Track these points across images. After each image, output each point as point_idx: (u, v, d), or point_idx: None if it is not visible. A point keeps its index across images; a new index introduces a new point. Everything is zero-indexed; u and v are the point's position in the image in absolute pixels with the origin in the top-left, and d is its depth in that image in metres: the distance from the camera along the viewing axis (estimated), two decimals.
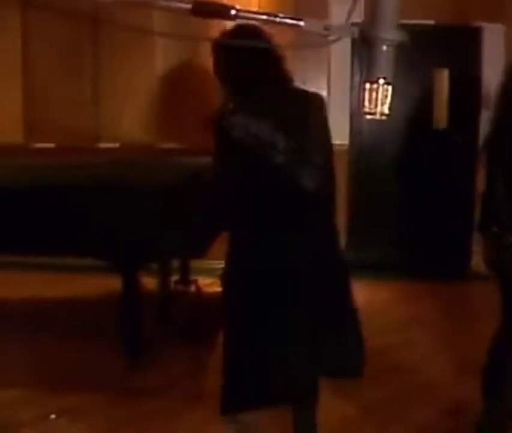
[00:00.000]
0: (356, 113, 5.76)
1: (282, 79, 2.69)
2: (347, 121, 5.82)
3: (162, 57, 5.95)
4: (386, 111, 1.42)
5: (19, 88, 6.07)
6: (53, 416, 3.40)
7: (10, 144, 6.01)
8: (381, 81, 1.42)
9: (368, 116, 1.40)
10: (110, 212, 3.82)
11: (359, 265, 5.80)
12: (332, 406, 3.31)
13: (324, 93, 5.51)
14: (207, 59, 2.76)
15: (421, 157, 5.99)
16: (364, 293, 5.27)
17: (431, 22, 5.78)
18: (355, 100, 5.73)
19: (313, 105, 2.69)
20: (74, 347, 4.23)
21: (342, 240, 5.68)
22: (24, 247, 4.01)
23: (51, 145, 6.04)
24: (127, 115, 6.02)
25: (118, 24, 5.60)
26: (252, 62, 2.60)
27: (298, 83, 2.78)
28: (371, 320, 4.50)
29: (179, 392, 3.68)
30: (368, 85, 1.41)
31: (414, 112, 5.89)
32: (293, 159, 2.55)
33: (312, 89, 2.84)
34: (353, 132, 5.92)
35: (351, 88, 5.80)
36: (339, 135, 5.67)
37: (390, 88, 1.42)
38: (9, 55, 6.04)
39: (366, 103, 1.40)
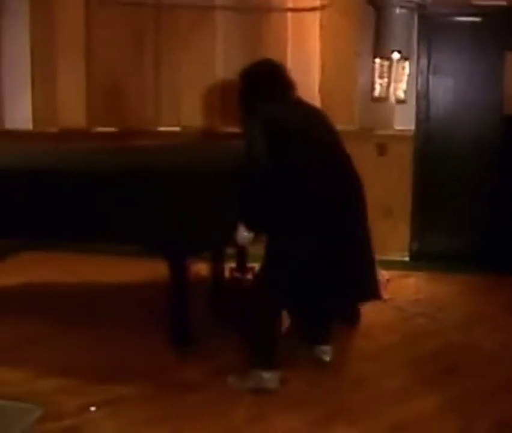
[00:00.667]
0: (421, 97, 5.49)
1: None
2: (413, 105, 5.53)
3: (222, 46, 5.84)
4: (402, 96, 1.21)
5: (83, 74, 6.08)
6: (93, 408, 3.33)
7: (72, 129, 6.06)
8: (396, 55, 1.19)
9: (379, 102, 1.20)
10: (157, 198, 3.71)
11: (424, 256, 5.62)
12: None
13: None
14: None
15: (491, 144, 5.65)
16: (429, 286, 5.06)
17: (503, 3, 5.44)
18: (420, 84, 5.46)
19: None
20: (121, 335, 4.17)
21: (407, 230, 5.54)
22: (74, 234, 3.97)
23: (112, 129, 6.03)
24: (187, 100, 5.95)
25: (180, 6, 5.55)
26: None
27: None
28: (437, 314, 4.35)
29: (224, 386, 3.54)
30: (378, 61, 1.19)
31: (485, 97, 5.56)
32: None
33: None
34: (419, 117, 5.61)
35: (417, 70, 5.51)
36: (404, 120, 5.43)
37: (407, 64, 1.18)
38: (74, 42, 6.05)
39: (377, 86, 1.20)
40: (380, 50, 5.01)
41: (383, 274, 5.14)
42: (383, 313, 4.55)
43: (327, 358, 3.73)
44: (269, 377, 3.39)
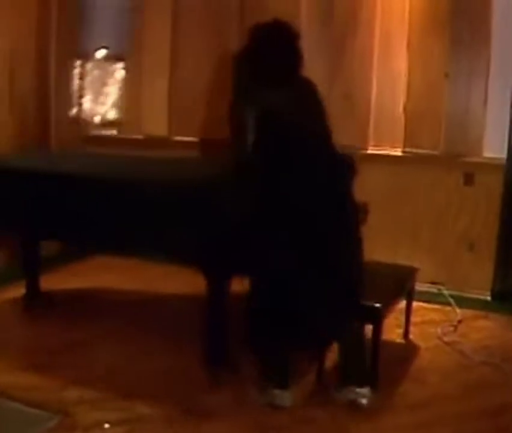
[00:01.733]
0: None
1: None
2: (505, 130, 5.05)
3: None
4: None
5: (166, 82, 6.06)
6: (107, 425, 3.23)
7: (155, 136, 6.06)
8: None
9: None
10: (195, 210, 3.52)
11: (508, 297, 5.11)
12: None
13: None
14: None
15: None
16: (506, 332, 4.59)
17: None
18: None
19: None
20: (159, 348, 4.08)
21: (491, 267, 5.08)
22: (113, 243, 3.91)
23: (193, 139, 5.94)
24: None
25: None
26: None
27: None
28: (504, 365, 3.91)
29: (248, 417, 3.32)
30: None
31: None
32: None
33: None
34: None
35: None
36: (494, 147, 5.00)
37: None
38: (160, 50, 6.04)
39: None
40: None
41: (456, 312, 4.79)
42: (441, 356, 4.17)
43: (364, 402, 3.41)
44: (281, 395, 3.36)
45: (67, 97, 6.14)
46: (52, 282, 5.07)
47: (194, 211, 3.50)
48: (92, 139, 6.33)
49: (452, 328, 4.59)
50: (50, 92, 5.90)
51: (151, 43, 6.02)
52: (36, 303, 4.74)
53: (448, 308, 4.96)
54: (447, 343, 4.33)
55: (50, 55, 5.84)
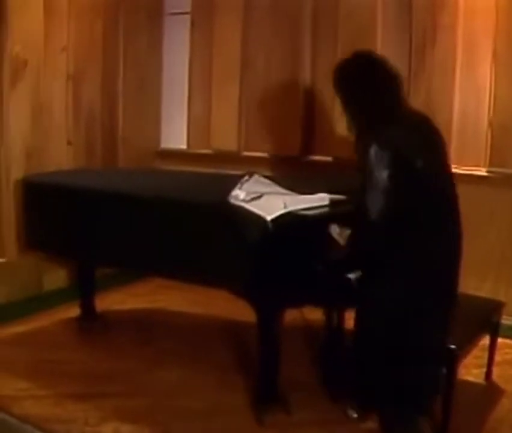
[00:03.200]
0: None
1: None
2: None
3: None
4: None
5: (236, 96, 5.83)
6: None
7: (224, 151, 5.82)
8: None
9: None
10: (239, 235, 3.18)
11: None
12: None
13: None
14: None
15: None
16: None
17: None
18: None
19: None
20: (204, 382, 3.79)
21: None
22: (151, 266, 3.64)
23: (263, 154, 5.70)
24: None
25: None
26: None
27: None
28: None
29: None
30: None
31: None
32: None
33: None
34: None
35: None
36: None
37: None
38: (230, 63, 5.84)
39: None
40: None
41: None
42: None
43: None
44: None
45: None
46: (109, 302, 4.93)
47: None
48: (159, 153, 6.18)
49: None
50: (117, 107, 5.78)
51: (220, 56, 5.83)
52: (91, 324, 4.60)
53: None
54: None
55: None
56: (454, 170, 4.69)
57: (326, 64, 5.39)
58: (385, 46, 5.11)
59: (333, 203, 3.32)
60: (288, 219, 3.04)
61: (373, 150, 2.56)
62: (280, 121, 5.62)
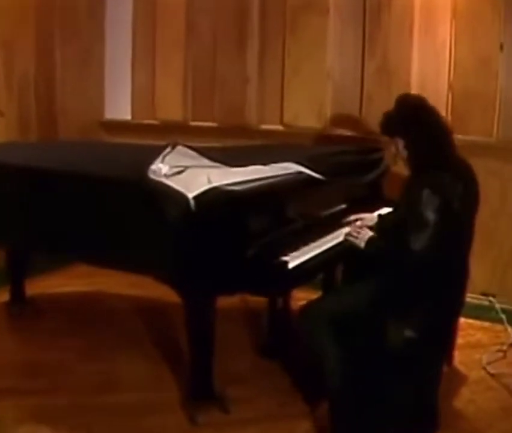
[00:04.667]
0: None
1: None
2: None
3: (335, 32, 4.87)
4: None
5: (181, 65, 5.49)
6: None
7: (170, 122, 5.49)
8: None
9: None
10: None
11: None
12: None
13: None
14: None
15: None
16: None
17: None
18: None
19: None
20: (134, 375, 3.47)
21: None
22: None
23: (211, 124, 5.39)
24: (293, 96, 5.05)
25: None
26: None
27: None
28: None
29: None
30: None
31: None
32: None
33: None
34: None
35: None
36: None
37: None
38: (174, 31, 5.48)
39: None
40: None
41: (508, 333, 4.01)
42: (484, 394, 3.39)
43: None
44: None
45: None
46: (45, 285, 4.63)
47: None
48: (105, 125, 5.83)
49: (501, 354, 3.83)
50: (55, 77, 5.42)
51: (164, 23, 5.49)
52: (21, 310, 4.28)
53: (499, 326, 4.26)
54: (493, 376, 3.55)
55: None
56: None
57: (274, 26, 5.11)
58: (338, 8, 4.78)
59: (269, 177, 2.96)
60: (214, 196, 2.66)
61: (426, 193, 2.69)
62: (229, 88, 5.30)
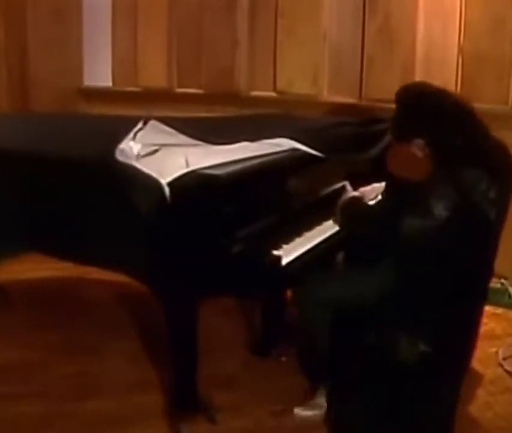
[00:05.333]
0: None
1: None
2: None
3: None
4: None
5: (164, 28, 5.13)
6: None
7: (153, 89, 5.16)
8: None
9: None
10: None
11: None
12: None
13: None
14: None
15: None
16: None
17: None
18: None
19: None
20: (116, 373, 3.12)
21: None
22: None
23: (197, 91, 5.06)
24: (286, 60, 4.70)
25: None
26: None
27: None
28: None
29: None
30: None
31: None
32: None
33: None
34: None
35: None
36: None
37: None
38: None
39: None
40: None
41: None
42: (501, 396, 3.07)
43: None
44: None
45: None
46: (18, 270, 4.18)
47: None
48: (84, 93, 5.44)
49: None
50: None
51: None
52: None
53: None
54: (510, 374, 3.23)
55: None
56: None
57: None
58: None
59: (259, 156, 2.55)
60: (192, 181, 2.25)
61: (442, 189, 2.33)
62: (217, 52, 4.96)
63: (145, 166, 2.28)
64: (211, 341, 2.73)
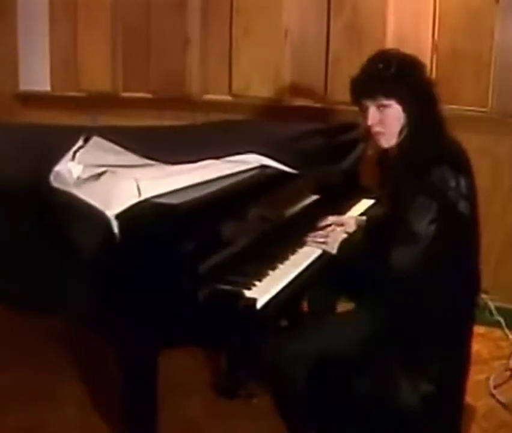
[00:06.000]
0: None
1: None
2: None
3: None
4: None
5: (108, 29, 4.77)
6: None
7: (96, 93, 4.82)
8: None
9: None
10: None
11: None
12: None
13: None
14: None
15: None
16: None
17: None
18: None
19: None
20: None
21: None
22: None
23: (145, 95, 4.72)
24: (242, 62, 4.39)
25: None
26: None
27: None
28: None
29: None
30: None
31: None
32: None
33: None
34: None
35: None
36: None
37: None
38: None
39: None
40: None
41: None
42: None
43: None
44: None
45: None
46: None
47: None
48: (20, 98, 5.08)
49: (508, 373, 3.26)
50: None
51: None
52: None
53: (497, 331, 3.76)
54: (505, 407, 2.97)
55: None
56: None
57: None
58: None
59: (224, 177, 2.17)
60: (145, 213, 1.84)
61: (419, 201, 2.17)
62: (166, 52, 4.60)
63: (87, 195, 1.86)
64: (169, 380, 2.32)
